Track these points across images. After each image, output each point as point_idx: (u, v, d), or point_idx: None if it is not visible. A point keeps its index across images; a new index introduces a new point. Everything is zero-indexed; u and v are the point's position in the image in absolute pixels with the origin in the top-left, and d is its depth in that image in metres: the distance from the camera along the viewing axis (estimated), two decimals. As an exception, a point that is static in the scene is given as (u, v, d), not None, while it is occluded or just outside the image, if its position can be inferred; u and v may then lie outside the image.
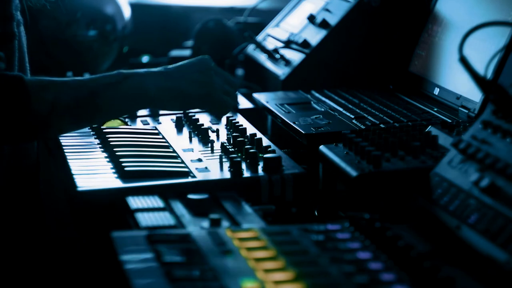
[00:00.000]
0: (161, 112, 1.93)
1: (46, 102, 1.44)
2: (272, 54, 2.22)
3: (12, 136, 1.46)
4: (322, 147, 1.53)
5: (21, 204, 1.63)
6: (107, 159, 1.59)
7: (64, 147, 1.65)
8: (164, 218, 1.30)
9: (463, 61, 1.22)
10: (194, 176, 1.49)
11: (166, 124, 1.84)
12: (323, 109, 1.87)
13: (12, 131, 1.44)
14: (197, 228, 1.25)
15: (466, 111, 1.72)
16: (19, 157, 1.63)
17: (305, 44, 2.15)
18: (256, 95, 2.02)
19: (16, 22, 1.53)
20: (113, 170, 1.52)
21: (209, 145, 1.66)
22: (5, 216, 1.59)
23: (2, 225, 1.58)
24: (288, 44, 2.21)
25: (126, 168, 1.50)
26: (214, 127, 1.79)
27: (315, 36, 2.15)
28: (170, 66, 1.57)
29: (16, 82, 1.43)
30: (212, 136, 1.72)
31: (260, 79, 2.26)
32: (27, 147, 1.66)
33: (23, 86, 1.43)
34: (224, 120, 1.85)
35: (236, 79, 1.66)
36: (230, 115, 1.86)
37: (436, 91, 1.89)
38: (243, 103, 2.01)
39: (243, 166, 1.51)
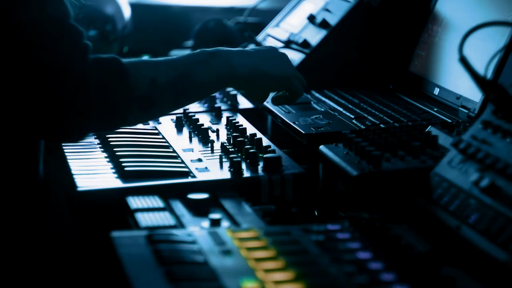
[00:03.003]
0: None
1: (146, 79, 1.42)
2: (272, 54, 2.22)
3: (120, 117, 1.43)
4: (322, 147, 1.53)
5: (23, 203, 1.62)
6: (107, 159, 1.59)
7: (64, 147, 1.65)
8: (164, 218, 1.30)
9: (463, 61, 1.22)
10: (194, 176, 1.49)
11: (166, 124, 1.84)
12: (323, 109, 1.88)
13: (118, 111, 1.41)
14: (197, 228, 1.25)
15: (466, 111, 1.72)
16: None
17: (305, 44, 2.15)
18: (256, 95, 2.01)
19: None
20: (113, 170, 1.52)
21: (209, 145, 1.66)
22: (9, 215, 1.59)
23: (5, 224, 1.58)
24: (288, 44, 2.21)
25: (126, 168, 1.50)
26: (214, 127, 1.79)
27: (315, 36, 2.15)
28: (248, 49, 1.58)
29: (113, 62, 1.41)
30: (212, 136, 1.72)
31: (260, 79, 2.25)
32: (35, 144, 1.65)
33: (121, 65, 1.40)
34: (224, 120, 1.85)
35: None
36: (230, 115, 1.86)
37: (436, 91, 1.89)
38: (243, 103, 2.01)
39: (243, 166, 1.51)
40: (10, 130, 1.44)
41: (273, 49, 1.60)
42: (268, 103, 1.93)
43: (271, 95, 1.64)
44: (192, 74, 1.47)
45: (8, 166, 1.48)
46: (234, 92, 2.02)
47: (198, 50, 1.51)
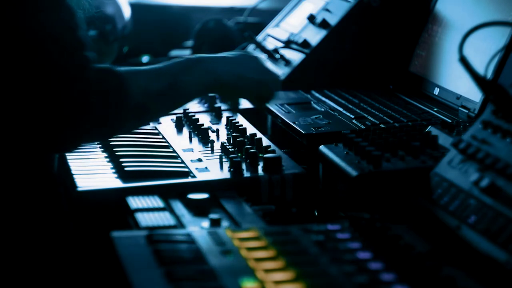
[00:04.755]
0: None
1: (140, 88, 1.45)
2: (272, 54, 2.22)
3: (118, 126, 1.45)
4: (322, 147, 1.53)
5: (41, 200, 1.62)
6: (107, 159, 1.59)
7: (64, 147, 1.65)
8: (164, 218, 1.30)
9: (463, 61, 1.22)
10: (194, 176, 1.49)
11: (166, 124, 1.84)
12: (323, 109, 1.88)
13: (117, 120, 1.43)
14: (197, 228, 1.25)
15: (466, 111, 1.72)
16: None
17: (305, 44, 2.15)
18: (256, 95, 2.01)
19: None
20: (113, 170, 1.52)
21: (209, 145, 1.66)
22: (5, 215, 1.59)
23: (5, 225, 1.58)
24: (288, 44, 2.21)
25: (126, 168, 1.50)
26: (214, 127, 1.79)
27: (315, 36, 2.15)
28: (229, 53, 1.61)
29: (111, 73, 1.43)
30: (212, 136, 1.72)
31: (260, 79, 2.25)
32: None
33: (119, 76, 1.43)
34: (224, 120, 1.85)
35: None
36: (230, 115, 1.86)
37: (436, 91, 1.89)
38: (243, 103, 2.01)
39: (243, 166, 1.51)
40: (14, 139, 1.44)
41: (247, 53, 1.64)
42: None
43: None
44: (180, 82, 1.50)
45: (23, 162, 1.49)
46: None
47: (182, 58, 1.55)
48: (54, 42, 1.38)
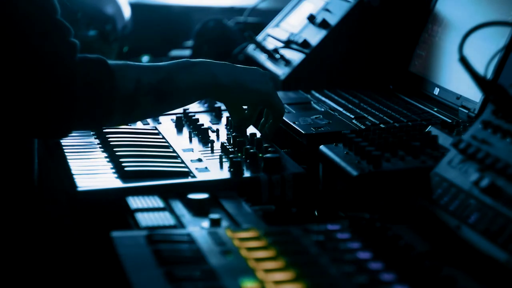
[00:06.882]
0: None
1: (131, 80, 1.46)
2: (272, 54, 2.22)
3: (105, 116, 1.46)
4: (322, 147, 1.53)
5: (20, 205, 1.63)
6: (107, 159, 1.59)
7: (64, 147, 1.65)
8: (164, 218, 1.30)
9: (463, 61, 1.22)
10: (194, 176, 1.49)
11: (166, 124, 1.84)
12: (323, 109, 1.88)
13: (104, 110, 1.44)
14: (197, 228, 1.25)
15: (466, 111, 1.72)
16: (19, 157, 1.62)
17: (305, 44, 2.15)
18: (256, 95, 2.01)
19: None
20: (113, 170, 1.52)
21: (209, 145, 1.66)
22: (4, 216, 1.59)
23: (2, 226, 1.58)
24: (288, 44, 2.21)
25: (126, 168, 1.50)
26: (214, 127, 1.79)
27: (315, 36, 2.15)
28: (232, 64, 1.63)
29: (100, 62, 1.43)
30: (212, 136, 1.72)
31: (260, 79, 2.25)
32: (29, 147, 1.66)
33: (107, 66, 1.43)
34: (224, 120, 1.85)
35: None
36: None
37: (436, 91, 1.89)
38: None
39: (243, 166, 1.51)
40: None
41: (256, 68, 1.66)
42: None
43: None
44: (175, 79, 1.52)
45: (2, 173, 1.49)
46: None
47: (182, 60, 1.57)
48: (34, 27, 1.37)
